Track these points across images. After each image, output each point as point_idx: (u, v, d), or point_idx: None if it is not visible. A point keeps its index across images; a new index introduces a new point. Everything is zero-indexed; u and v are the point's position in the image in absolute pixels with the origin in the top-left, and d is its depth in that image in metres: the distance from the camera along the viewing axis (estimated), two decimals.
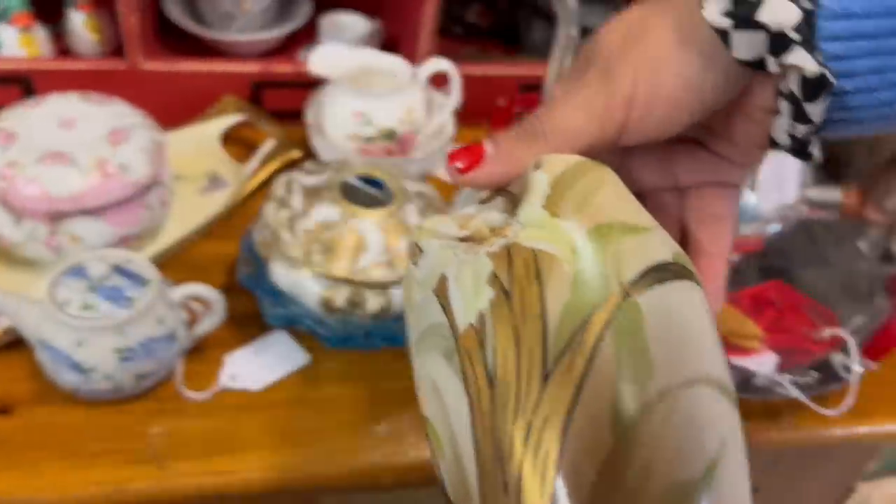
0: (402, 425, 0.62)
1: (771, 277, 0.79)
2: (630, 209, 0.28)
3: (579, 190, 0.27)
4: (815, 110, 0.26)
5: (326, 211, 0.62)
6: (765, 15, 0.25)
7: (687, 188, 0.34)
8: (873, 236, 0.74)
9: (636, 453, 0.24)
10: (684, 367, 0.25)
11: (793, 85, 0.26)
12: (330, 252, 0.61)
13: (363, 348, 0.66)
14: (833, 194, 0.75)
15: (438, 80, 0.85)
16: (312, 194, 0.63)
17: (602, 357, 0.24)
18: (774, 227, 0.75)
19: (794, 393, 0.65)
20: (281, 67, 0.88)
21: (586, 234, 0.26)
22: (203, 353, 0.65)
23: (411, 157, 0.80)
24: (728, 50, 0.26)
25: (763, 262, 0.78)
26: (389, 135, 0.78)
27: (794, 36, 0.25)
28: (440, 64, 0.82)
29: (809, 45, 0.25)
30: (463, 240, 0.28)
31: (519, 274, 0.26)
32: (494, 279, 0.26)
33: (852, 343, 0.68)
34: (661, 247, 0.27)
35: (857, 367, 0.67)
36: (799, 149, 0.28)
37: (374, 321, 0.62)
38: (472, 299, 0.26)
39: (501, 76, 0.93)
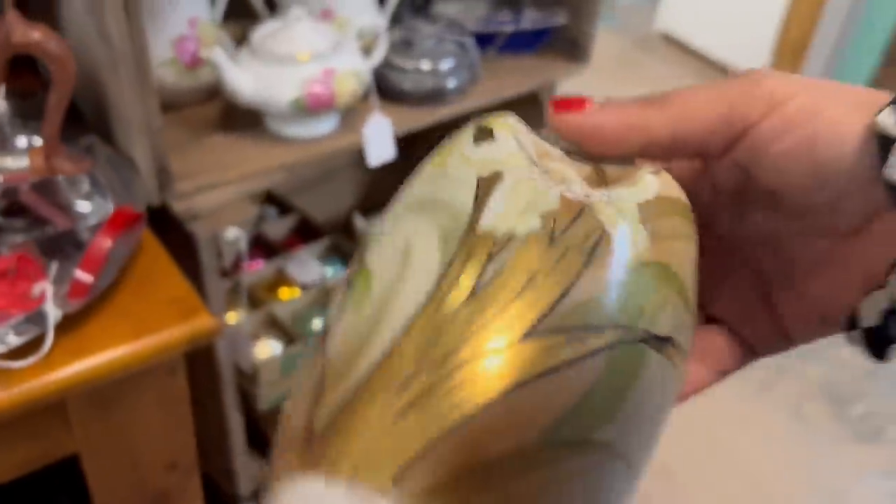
0: None
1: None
2: (692, 280, 0.27)
3: (673, 225, 0.26)
4: None
5: None
6: None
7: (742, 306, 0.31)
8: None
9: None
10: (624, 435, 0.25)
11: None
12: None
13: None
14: (20, 160, 0.80)
15: None
16: None
17: (586, 368, 0.23)
18: None
19: None
20: None
21: (655, 262, 0.25)
22: None
23: None
24: (881, 162, 0.24)
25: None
26: None
27: None
28: None
29: None
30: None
31: (575, 235, 0.24)
32: (549, 219, 0.24)
33: (49, 290, 0.74)
34: (688, 327, 0.27)
35: (52, 312, 0.73)
36: (879, 342, 0.26)
37: None
38: (513, 216, 0.24)
39: None
